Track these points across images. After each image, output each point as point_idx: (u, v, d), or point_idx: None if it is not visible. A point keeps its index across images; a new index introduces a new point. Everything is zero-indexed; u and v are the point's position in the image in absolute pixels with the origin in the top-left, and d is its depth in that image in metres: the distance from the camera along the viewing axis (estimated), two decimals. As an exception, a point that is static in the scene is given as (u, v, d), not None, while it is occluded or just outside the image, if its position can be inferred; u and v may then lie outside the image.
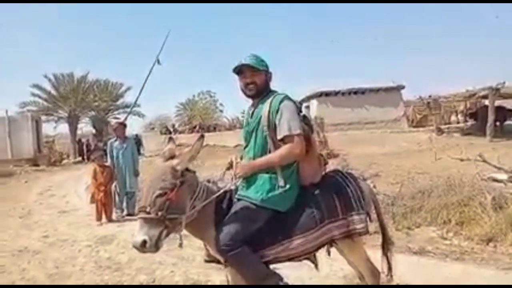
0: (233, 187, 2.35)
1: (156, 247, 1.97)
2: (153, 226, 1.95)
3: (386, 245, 2.69)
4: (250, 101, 2.43)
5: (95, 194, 6.27)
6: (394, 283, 3.16)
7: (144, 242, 1.92)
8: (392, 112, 22.49)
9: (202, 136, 2.21)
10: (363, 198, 2.35)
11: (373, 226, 2.56)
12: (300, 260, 2.35)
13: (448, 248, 4.02)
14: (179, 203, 2.03)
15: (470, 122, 20.07)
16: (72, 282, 3.73)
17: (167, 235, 2.04)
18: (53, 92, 24.63)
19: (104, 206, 6.21)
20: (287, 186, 2.21)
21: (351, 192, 2.31)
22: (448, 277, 3.31)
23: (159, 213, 1.95)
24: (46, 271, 4.07)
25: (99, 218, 6.16)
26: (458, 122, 23.42)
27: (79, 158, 22.28)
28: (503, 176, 5.78)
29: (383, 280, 2.69)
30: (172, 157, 2.18)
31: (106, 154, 6.63)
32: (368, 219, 2.37)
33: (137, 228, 1.98)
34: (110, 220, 6.21)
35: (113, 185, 6.42)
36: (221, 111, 38.72)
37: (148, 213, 1.96)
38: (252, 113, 2.36)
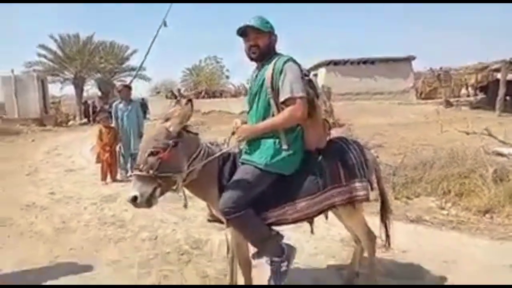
0: (236, 150, 2.37)
1: (148, 203, 2.05)
2: (146, 183, 2.03)
3: (385, 214, 2.74)
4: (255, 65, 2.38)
5: (100, 154, 6.38)
6: (390, 250, 3.25)
7: (135, 197, 2.01)
8: (401, 83, 22.10)
9: (190, 101, 2.23)
10: (367, 166, 2.36)
11: (373, 194, 2.60)
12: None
13: (445, 218, 4.07)
14: (172, 162, 2.07)
15: (480, 95, 19.73)
16: (78, 237, 3.88)
17: (162, 193, 2.11)
18: (59, 52, 24.38)
19: (110, 166, 6.35)
20: (291, 150, 2.21)
21: (355, 159, 2.31)
22: (442, 245, 3.38)
23: (150, 171, 2.02)
24: (53, 225, 4.23)
25: (104, 178, 6.31)
26: (468, 96, 23.06)
27: (85, 120, 22.39)
28: (508, 150, 5.76)
29: (379, 244, 2.76)
30: (169, 119, 2.20)
31: (111, 116, 6.65)
32: (370, 187, 2.39)
33: (131, 184, 2.07)
34: (114, 179, 6.36)
35: (117, 146, 6.50)
36: (227, 77, 38.27)
37: (141, 170, 2.03)
38: (256, 76, 2.33)
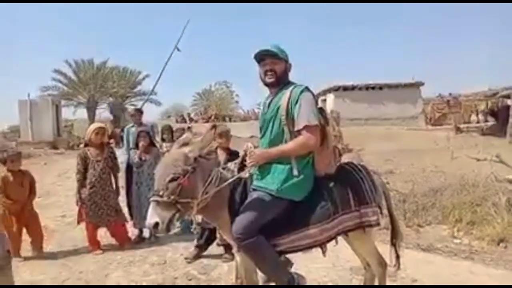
0: (247, 175, 2.38)
1: (168, 229, 2.07)
2: (165, 209, 2.04)
3: (395, 237, 2.72)
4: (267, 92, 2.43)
5: (3, 218, 3.83)
6: (400, 277, 3.20)
7: (156, 224, 2.02)
8: (410, 109, 22.11)
9: (215, 126, 2.31)
10: (376, 191, 2.38)
11: (383, 222, 2.59)
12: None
13: (458, 246, 4.00)
14: (191, 188, 2.11)
15: (491, 121, 19.58)
16: (88, 260, 3.89)
17: (179, 218, 2.14)
18: (74, 77, 25.10)
19: (27, 228, 4.05)
20: (301, 176, 2.23)
21: (364, 185, 2.33)
22: (454, 275, 3.31)
23: (171, 197, 2.04)
24: (63, 249, 4.26)
25: (16, 252, 3.75)
26: (478, 122, 22.87)
27: (97, 143, 22.68)
28: (520, 178, 5.67)
29: (390, 270, 2.72)
30: (186, 144, 2.26)
31: (122, 140, 6.75)
32: (380, 211, 2.40)
33: (150, 210, 2.06)
34: (40, 250, 4.09)
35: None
36: (236, 102, 38.79)
37: (161, 196, 2.04)
38: (270, 102, 2.36)
